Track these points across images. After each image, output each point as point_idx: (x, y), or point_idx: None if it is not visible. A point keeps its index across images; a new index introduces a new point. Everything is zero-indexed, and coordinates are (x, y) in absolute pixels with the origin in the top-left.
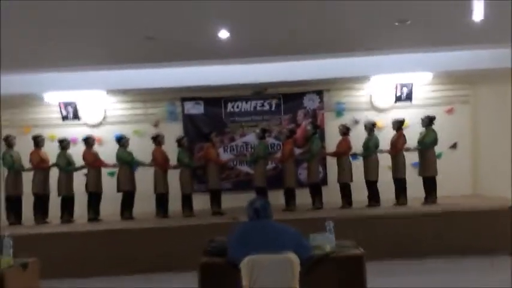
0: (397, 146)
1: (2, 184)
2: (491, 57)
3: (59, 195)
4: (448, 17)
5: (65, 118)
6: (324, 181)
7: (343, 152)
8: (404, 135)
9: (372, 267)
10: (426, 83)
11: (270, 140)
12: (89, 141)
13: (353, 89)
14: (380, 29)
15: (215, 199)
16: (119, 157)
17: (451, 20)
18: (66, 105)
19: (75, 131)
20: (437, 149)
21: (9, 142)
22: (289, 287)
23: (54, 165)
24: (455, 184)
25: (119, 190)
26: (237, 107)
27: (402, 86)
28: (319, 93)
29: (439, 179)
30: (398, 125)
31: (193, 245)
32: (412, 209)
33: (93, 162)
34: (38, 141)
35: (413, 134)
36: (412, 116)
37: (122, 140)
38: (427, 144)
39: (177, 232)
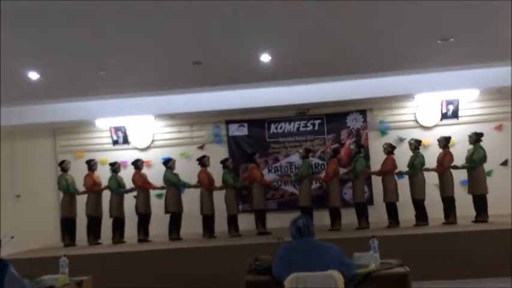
0: (444, 163)
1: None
2: None
3: (110, 216)
4: (491, 33)
5: (115, 143)
6: (370, 200)
7: (388, 171)
8: (451, 153)
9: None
10: (473, 100)
11: (314, 160)
12: (138, 164)
13: (397, 107)
14: (422, 47)
15: (260, 219)
16: (166, 179)
17: (494, 36)
18: (116, 130)
19: (125, 155)
20: (487, 166)
21: (64, 167)
22: None
23: (106, 187)
24: (508, 202)
25: (166, 211)
26: (280, 128)
27: (448, 103)
28: (363, 112)
29: (489, 197)
30: (445, 142)
31: (239, 264)
32: (462, 228)
33: (142, 185)
34: (91, 165)
35: (460, 151)
36: (458, 133)
37: (169, 163)
38: (476, 161)
39: (224, 252)
